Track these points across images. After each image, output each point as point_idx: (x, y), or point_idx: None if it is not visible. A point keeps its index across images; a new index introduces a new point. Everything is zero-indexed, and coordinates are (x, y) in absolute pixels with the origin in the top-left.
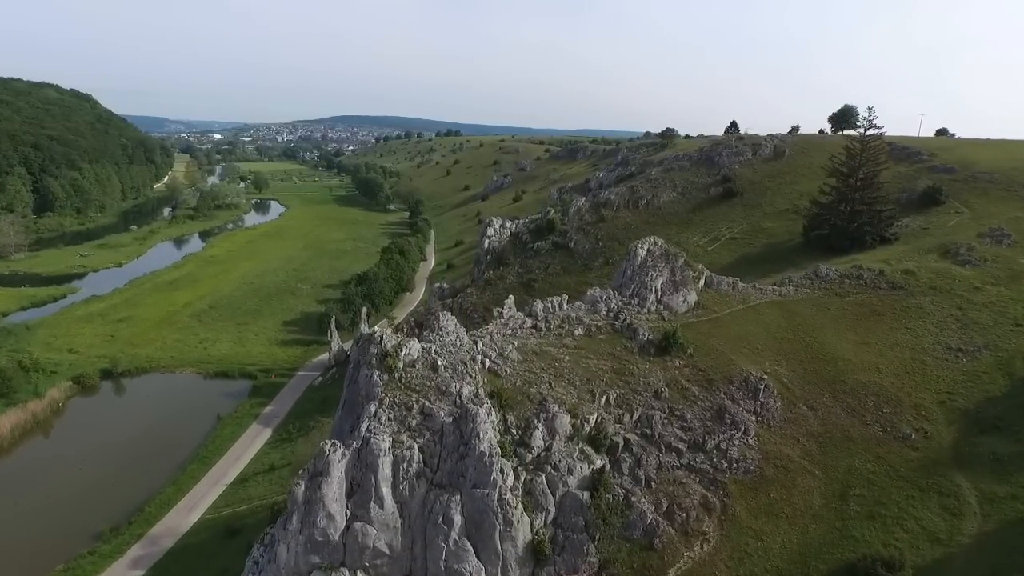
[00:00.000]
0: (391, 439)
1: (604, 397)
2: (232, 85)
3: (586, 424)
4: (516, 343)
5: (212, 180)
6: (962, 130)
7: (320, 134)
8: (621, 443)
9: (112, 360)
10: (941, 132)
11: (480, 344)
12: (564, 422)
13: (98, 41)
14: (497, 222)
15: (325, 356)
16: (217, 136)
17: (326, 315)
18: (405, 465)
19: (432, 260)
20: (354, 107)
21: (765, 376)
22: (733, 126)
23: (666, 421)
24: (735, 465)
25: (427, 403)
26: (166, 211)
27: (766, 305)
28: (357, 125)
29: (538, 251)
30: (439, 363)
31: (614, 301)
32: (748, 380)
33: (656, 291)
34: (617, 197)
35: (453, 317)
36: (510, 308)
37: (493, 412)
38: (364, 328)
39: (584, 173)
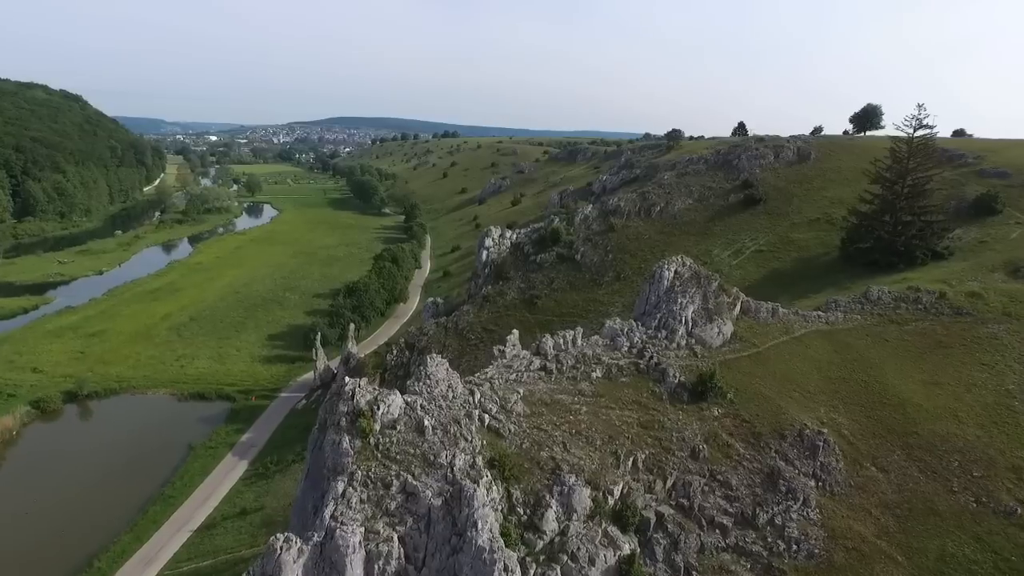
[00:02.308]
0: (363, 528)
1: (631, 459)
2: (230, 87)
3: (610, 497)
4: (522, 391)
5: (205, 182)
6: (977, 131)
7: (317, 136)
8: (653, 519)
9: (78, 381)
10: (958, 133)
11: (478, 395)
12: (583, 496)
13: (96, 42)
14: (496, 231)
15: (311, 375)
16: (213, 138)
17: (312, 330)
18: (381, 563)
19: (427, 267)
20: (351, 109)
21: (824, 430)
22: (741, 127)
23: (707, 489)
24: (795, 547)
25: (410, 478)
26: (156, 215)
27: (813, 336)
28: (354, 127)
29: (541, 264)
30: (426, 423)
31: (637, 334)
32: (803, 434)
33: (686, 321)
34: (627, 204)
35: (444, 361)
36: (514, 345)
37: (494, 487)
38: (351, 346)
39: (585, 175)
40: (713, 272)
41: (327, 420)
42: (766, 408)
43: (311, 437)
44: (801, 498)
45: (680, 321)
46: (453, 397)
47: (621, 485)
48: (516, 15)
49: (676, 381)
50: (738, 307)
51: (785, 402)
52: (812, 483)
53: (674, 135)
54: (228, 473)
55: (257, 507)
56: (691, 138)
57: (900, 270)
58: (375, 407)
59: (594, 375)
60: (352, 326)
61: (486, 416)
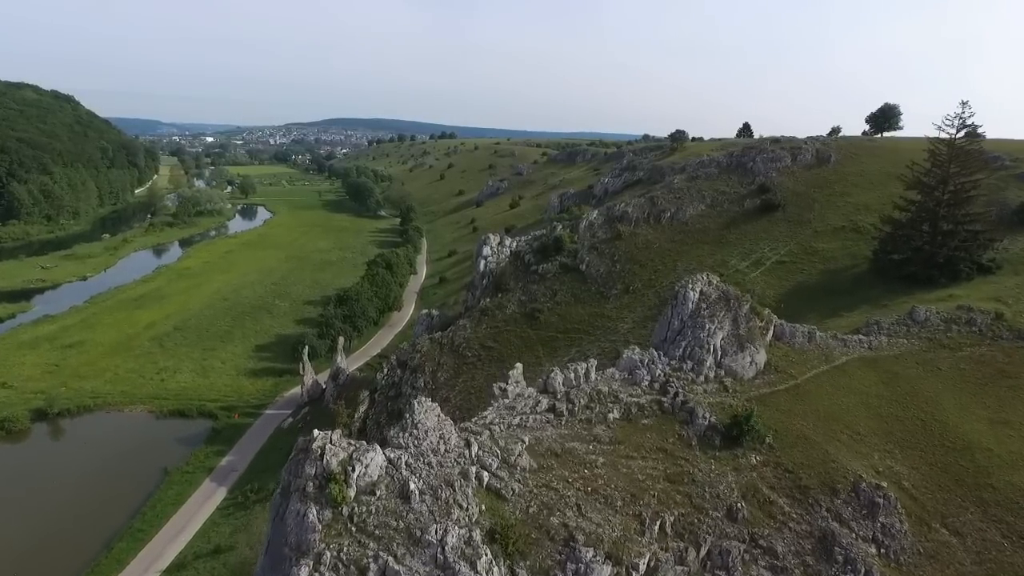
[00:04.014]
0: None
1: (657, 523)
2: (228, 88)
3: (634, 573)
4: (527, 439)
5: (200, 184)
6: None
7: (314, 137)
8: None
9: (49, 398)
10: (971, 134)
11: (475, 446)
12: None
13: (95, 43)
14: (495, 239)
15: (298, 389)
16: (209, 139)
17: (300, 342)
18: None
19: (423, 272)
20: (348, 110)
21: (883, 483)
22: (746, 128)
23: (748, 557)
24: None
25: (392, 561)
26: (149, 218)
27: (856, 364)
28: (351, 128)
29: (543, 274)
30: (412, 486)
31: (659, 366)
32: (859, 489)
33: (715, 350)
34: (635, 210)
35: (435, 406)
36: (516, 381)
37: (495, 568)
38: (341, 361)
39: (585, 178)
40: (743, 293)
41: (291, 484)
42: (812, 455)
43: (272, 503)
44: (862, 569)
45: (708, 350)
46: (446, 451)
47: (647, 557)
48: (514, 16)
49: (706, 422)
50: (771, 332)
51: (833, 447)
52: (873, 550)
53: (678, 136)
54: (204, 502)
55: (232, 544)
56: (694, 139)
57: (942, 285)
58: (349, 468)
59: (611, 416)
60: (341, 339)
61: (485, 474)
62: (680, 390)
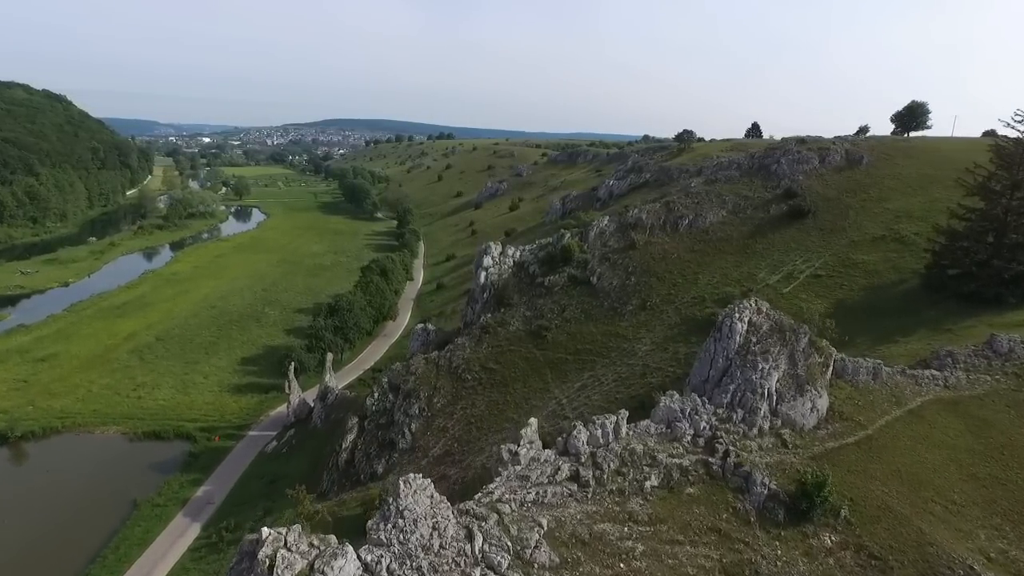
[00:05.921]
0: None
1: None
2: (225, 88)
3: None
4: (545, 521)
5: (194, 185)
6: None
7: (311, 137)
8: None
9: (11, 419)
10: (989, 133)
11: (479, 539)
12: None
13: (93, 44)
14: (496, 249)
15: (284, 408)
16: (206, 139)
17: (287, 357)
18: None
19: (420, 278)
20: (346, 110)
21: None
22: (755, 128)
23: None
24: None
25: None
26: (139, 220)
27: (933, 407)
28: (348, 128)
29: (550, 288)
30: None
31: (703, 417)
32: None
33: (770, 395)
34: (649, 216)
35: (428, 485)
36: (530, 442)
37: None
38: (329, 379)
39: (587, 179)
40: (800, 323)
41: None
42: (901, 534)
43: None
44: None
45: (762, 395)
46: (441, 547)
47: None
48: (509, 16)
49: (766, 491)
50: (831, 369)
51: (926, 523)
52: None
53: (685, 136)
54: (175, 542)
55: None
56: (701, 140)
57: (1012, 306)
58: None
59: (648, 484)
60: (330, 356)
61: None
62: (731, 447)
